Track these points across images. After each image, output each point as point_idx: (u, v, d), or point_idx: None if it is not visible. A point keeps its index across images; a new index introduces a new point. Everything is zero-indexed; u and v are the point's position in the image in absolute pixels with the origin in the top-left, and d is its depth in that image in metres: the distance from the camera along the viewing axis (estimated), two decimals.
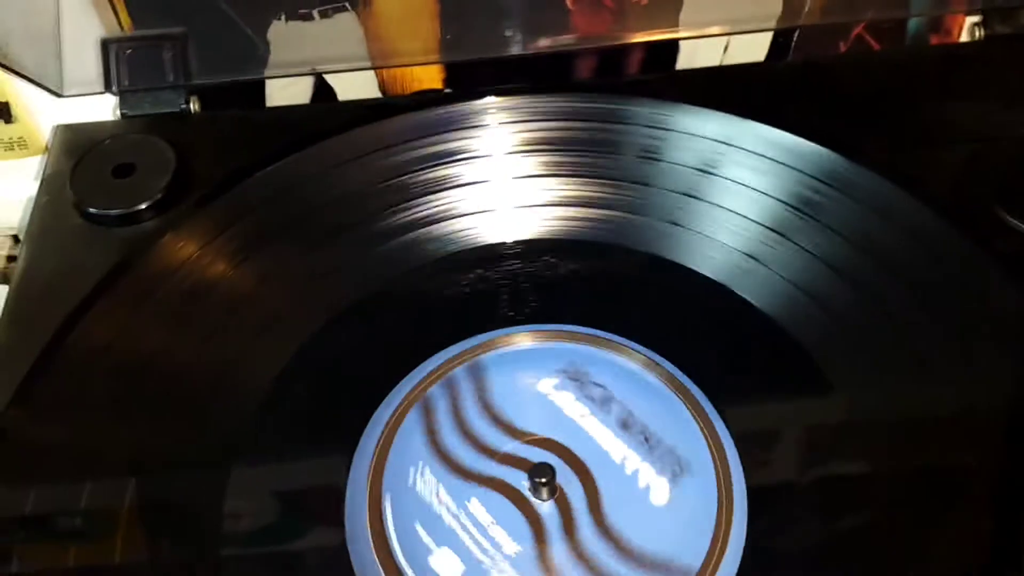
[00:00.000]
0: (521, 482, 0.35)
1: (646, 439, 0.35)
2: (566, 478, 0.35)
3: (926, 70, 0.46)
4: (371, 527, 0.34)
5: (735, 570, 0.32)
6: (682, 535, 0.33)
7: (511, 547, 0.33)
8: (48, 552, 0.33)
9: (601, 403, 0.36)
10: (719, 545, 0.32)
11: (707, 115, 0.43)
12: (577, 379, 0.37)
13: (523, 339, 0.38)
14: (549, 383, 0.37)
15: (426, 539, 0.34)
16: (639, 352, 0.37)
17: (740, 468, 0.34)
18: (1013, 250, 0.38)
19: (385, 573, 0.33)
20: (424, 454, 0.36)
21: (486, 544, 0.33)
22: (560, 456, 0.35)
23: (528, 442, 0.36)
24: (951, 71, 0.46)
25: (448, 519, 0.34)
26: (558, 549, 0.33)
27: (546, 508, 0.34)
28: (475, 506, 0.34)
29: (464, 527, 0.34)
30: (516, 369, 0.37)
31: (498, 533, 0.34)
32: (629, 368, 0.37)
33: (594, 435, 0.36)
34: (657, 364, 0.37)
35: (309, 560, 0.34)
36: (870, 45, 0.53)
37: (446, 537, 0.34)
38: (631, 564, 0.33)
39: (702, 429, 0.35)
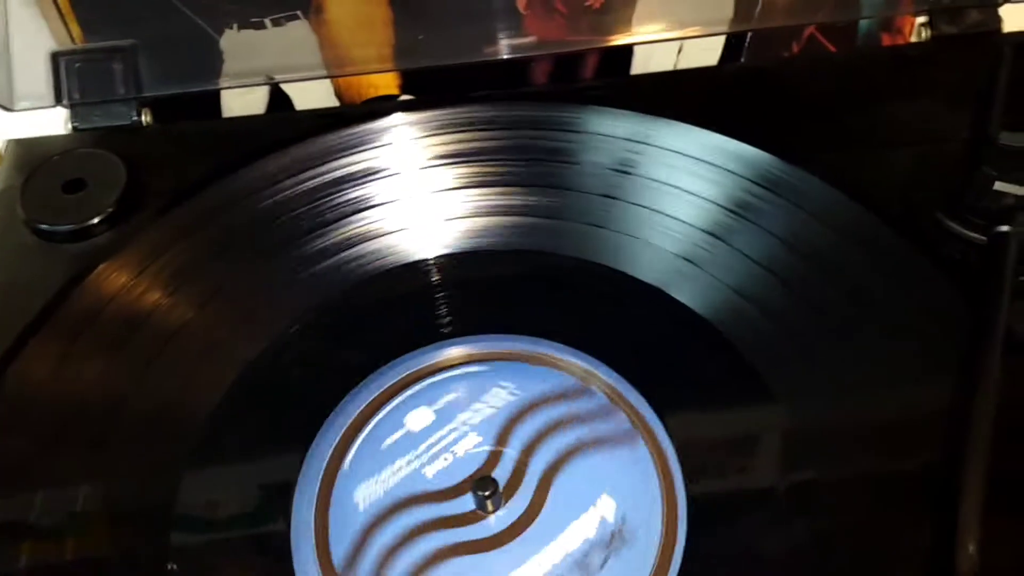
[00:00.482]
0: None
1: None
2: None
3: (873, 72, 0.47)
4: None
5: None
6: None
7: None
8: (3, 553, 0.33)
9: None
10: None
11: (627, 117, 0.43)
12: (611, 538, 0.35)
13: (458, 351, 0.38)
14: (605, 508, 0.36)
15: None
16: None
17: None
18: (953, 255, 0.39)
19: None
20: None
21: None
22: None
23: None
24: (898, 73, 0.47)
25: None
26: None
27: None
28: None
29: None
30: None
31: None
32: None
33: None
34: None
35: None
36: (823, 46, 0.54)
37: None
38: None
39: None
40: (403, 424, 0.37)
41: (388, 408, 0.37)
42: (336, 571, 0.33)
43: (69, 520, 0.34)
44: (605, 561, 0.33)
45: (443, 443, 0.36)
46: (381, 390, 0.38)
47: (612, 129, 0.44)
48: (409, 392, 0.38)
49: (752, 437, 0.36)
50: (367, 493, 0.35)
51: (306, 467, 0.36)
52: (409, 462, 0.36)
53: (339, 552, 0.34)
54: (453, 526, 0.34)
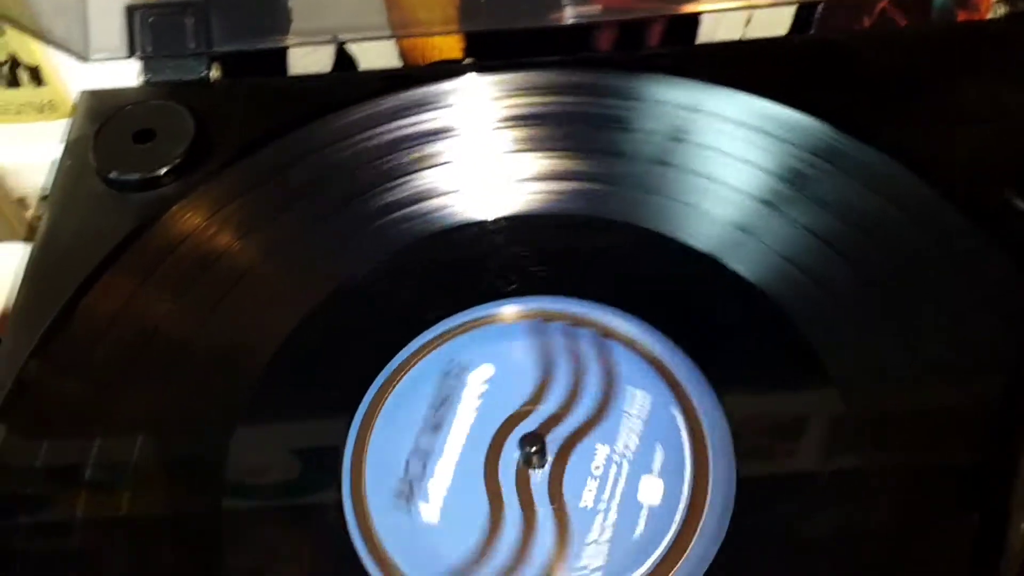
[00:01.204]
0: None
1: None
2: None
3: (946, 48, 0.46)
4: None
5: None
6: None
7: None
8: (58, 500, 0.35)
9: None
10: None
11: (685, 85, 0.43)
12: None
13: (514, 312, 0.39)
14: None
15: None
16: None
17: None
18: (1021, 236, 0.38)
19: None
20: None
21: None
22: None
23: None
24: (972, 49, 0.45)
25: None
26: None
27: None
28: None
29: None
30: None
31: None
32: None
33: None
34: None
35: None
36: (896, 20, 0.52)
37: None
38: None
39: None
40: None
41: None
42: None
43: (124, 468, 0.35)
44: None
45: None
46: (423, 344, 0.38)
47: (670, 96, 0.43)
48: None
49: (802, 414, 0.35)
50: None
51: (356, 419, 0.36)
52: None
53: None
54: None
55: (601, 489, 0.34)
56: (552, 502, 0.34)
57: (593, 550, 0.33)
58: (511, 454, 0.35)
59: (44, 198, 0.56)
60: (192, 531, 0.34)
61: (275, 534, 0.34)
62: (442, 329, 0.39)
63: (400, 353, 0.38)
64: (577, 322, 0.38)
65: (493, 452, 0.35)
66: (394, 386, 0.37)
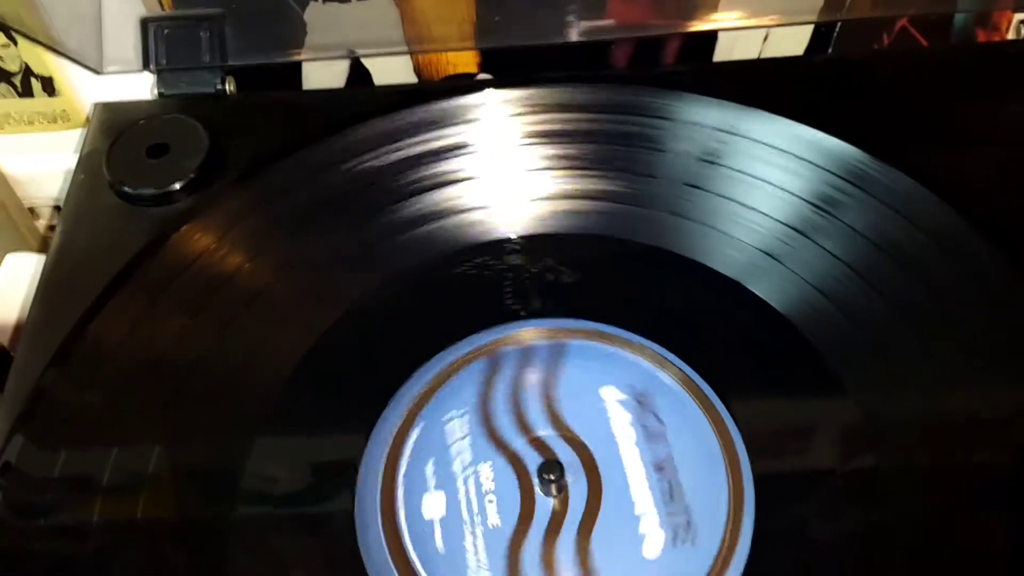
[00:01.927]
0: (535, 468, 0.35)
1: (671, 491, 0.34)
2: (577, 487, 0.35)
3: (967, 69, 0.45)
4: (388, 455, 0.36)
5: None
6: None
7: (493, 519, 0.34)
8: (75, 508, 0.34)
9: (651, 437, 0.36)
10: None
11: (719, 106, 0.43)
12: (642, 404, 0.36)
13: (531, 335, 0.38)
14: (614, 395, 0.37)
15: (430, 476, 0.35)
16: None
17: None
18: None
19: (383, 495, 0.34)
20: (471, 403, 0.37)
21: (475, 506, 0.34)
22: (584, 464, 0.35)
23: (564, 437, 0.36)
24: (993, 70, 0.45)
25: (457, 468, 0.35)
26: (531, 544, 0.33)
27: (544, 503, 0.34)
28: (485, 470, 0.35)
29: (466, 482, 0.35)
30: (592, 367, 0.37)
31: (491, 503, 0.34)
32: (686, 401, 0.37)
33: (626, 462, 0.35)
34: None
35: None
36: (915, 39, 0.52)
37: (447, 483, 0.35)
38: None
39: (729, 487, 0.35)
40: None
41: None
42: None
43: (140, 480, 0.35)
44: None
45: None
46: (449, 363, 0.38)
47: (699, 117, 0.43)
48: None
49: (822, 441, 0.35)
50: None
51: (374, 438, 0.36)
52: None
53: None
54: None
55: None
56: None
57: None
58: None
59: (56, 208, 0.56)
60: (206, 545, 0.34)
61: (288, 547, 0.34)
62: (464, 351, 0.38)
63: (418, 372, 0.37)
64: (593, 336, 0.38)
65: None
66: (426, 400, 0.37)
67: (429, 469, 0.35)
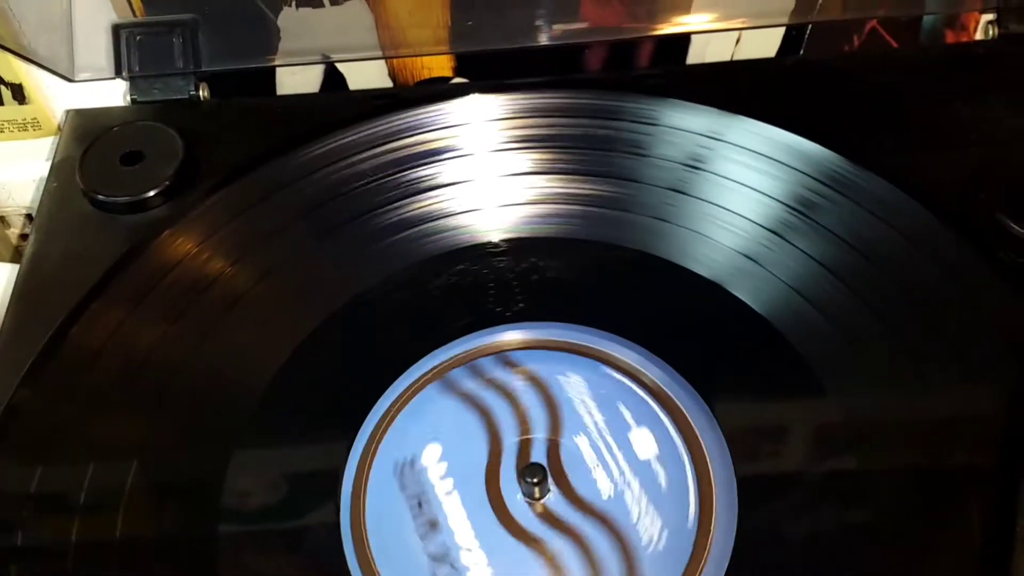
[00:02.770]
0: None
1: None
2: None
3: (937, 69, 0.46)
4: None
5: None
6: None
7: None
8: (52, 525, 0.34)
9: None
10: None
11: (703, 112, 0.43)
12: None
13: (514, 336, 0.38)
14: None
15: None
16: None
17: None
18: (1014, 258, 0.38)
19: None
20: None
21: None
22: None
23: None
24: (963, 71, 0.46)
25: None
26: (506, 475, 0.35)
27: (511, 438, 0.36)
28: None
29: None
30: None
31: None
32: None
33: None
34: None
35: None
36: (885, 40, 0.53)
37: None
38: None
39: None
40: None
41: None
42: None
43: (118, 493, 0.34)
44: None
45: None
46: (430, 368, 0.38)
47: (683, 122, 0.43)
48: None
49: (801, 438, 0.35)
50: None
51: (355, 447, 0.36)
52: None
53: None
54: None
55: (609, 472, 0.35)
56: (582, 511, 0.34)
57: (646, 522, 0.33)
58: (515, 498, 0.35)
59: (28, 217, 0.55)
60: (187, 556, 0.34)
61: (271, 559, 0.34)
62: (445, 356, 0.38)
63: (400, 379, 0.37)
64: (575, 350, 0.38)
65: (499, 508, 0.35)
66: (396, 412, 0.37)
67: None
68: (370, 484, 0.35)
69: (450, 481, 0.35)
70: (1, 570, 0.33)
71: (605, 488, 0.35)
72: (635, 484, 0.34)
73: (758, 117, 0.42)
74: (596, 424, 0.36)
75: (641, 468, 0.35)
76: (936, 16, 0.51)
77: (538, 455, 0.36)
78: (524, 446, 0.36)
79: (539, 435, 0.36)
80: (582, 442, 0.36)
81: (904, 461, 0.34)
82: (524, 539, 0.34)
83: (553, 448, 0.36)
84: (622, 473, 0.35)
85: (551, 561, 0.33)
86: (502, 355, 0.38)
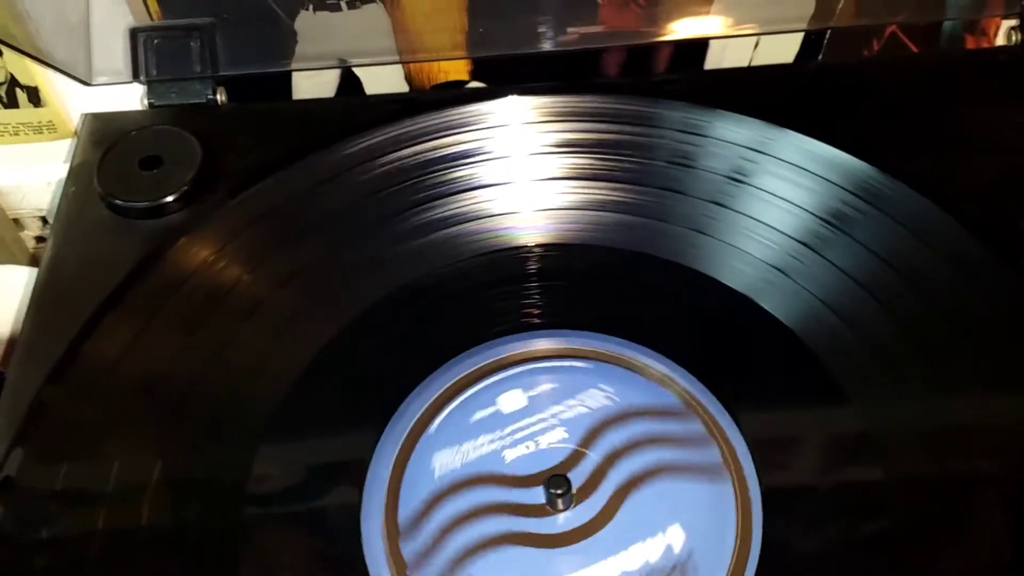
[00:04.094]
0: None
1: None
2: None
3: (958, 75, 0.46)
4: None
5: None
6: None
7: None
8: (78, 515, 0.34)
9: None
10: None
11: (741, 121, 0.43)
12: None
13: (545, 347, 0.38)
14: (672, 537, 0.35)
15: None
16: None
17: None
18: None
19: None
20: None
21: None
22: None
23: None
24: (985, 77, 0.45)
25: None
26: None
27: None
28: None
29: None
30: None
31: None
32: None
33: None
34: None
35: None
36: (905, 44, 0.52)
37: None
38: None
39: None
40: (495, 403, 0.37)
41: (482, 385, 0.37)
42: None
43: (143, 490, 0.35)
44: None
45: (529, 431, 0.36)
46: (472, 369, 0.38)
47: (723, 133, 0.43)
48: (504, 375, 0.38)
49: (826, 451, 0.35)
50: (445, 461, 0.36)
51: (386, 434, 0.36)
52: (492, 441, 0.36)
53: (405, 514, 0.34)
54: (519, 515, 0.34)
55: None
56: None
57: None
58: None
59: (43, 220, 0.55)
60: (208, 552, 0.34)
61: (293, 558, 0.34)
62: (472, 366, 0.38)
63: (419, 386, 0.37)
64: (603, 358, 0.38)
65: None
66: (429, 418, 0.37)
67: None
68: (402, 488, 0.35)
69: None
70: (28, 563, 0.33)
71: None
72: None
73: (788, 126, 0.42)
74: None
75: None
76: (956, 21, 0.51)
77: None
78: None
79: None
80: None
81: (933, 474, 0.34)
82: None
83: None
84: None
85: None
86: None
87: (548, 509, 0.34)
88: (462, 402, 0.37)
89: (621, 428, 0.36)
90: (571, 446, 0.36)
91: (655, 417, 0.36)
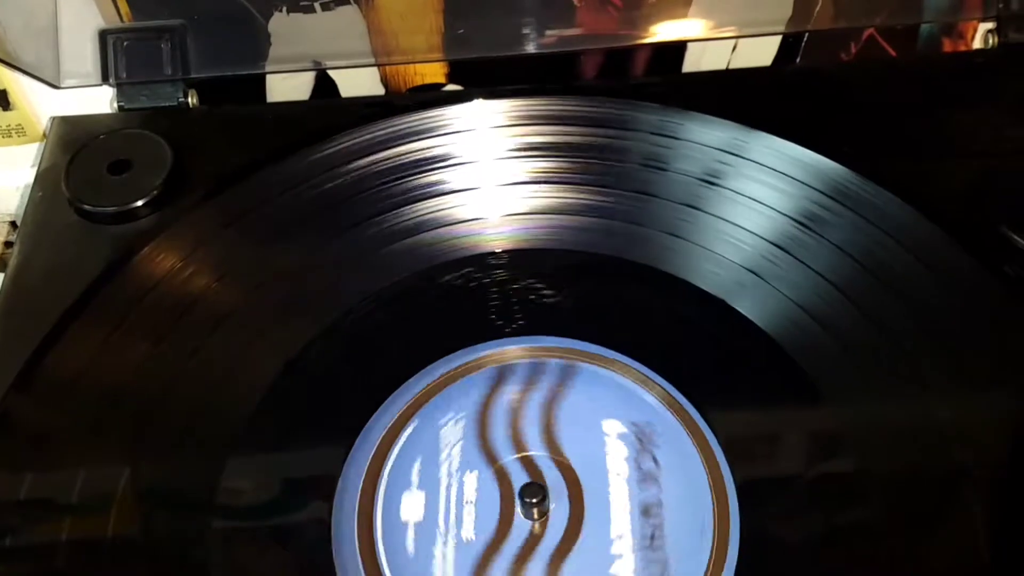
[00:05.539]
0: (519, 488, 0.34)
1: (652, 537, 0.33)
2: (559, 513, 0.34)
3: (935, 78, 0.46)
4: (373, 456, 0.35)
5: None
6: None
7: (467, 532, 0.34)
8: (43, 527, 0.34)
9: (643, 478, 0.35)
10: None
11: (715, 123, 0.42)
12: (641, 442, 0.36)
13: (517, 353, 0.38)
14: (616, 428, 0.36)
15: (415, 476, 0.35)
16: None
17: None
18: (1019, 271, 0.38)
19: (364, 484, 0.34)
20: (470, 410, 0.36)
21: (452, 515, 0.34)
22: (570, 491, 0.35)
23: (556, 461, 0.35)
24: (962, 80, 0.45)
25: (443, 473, 0.35)
26: (500, 564, 0.33)
27: (522, 524, 0.34)
28: (470, 479, 0.35)
29: (448, 488, 0.35)
30: (598, 396, 0.37)
31: (468, 514, 0.34)
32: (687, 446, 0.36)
33: (613, 499, 0.34)
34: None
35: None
36: (882, 47, 0.52)
37: (430, 485, 0.35)
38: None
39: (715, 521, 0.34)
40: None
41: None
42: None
43: (110, 500, 0.34)
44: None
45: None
46: (441, 376, 0.37)
47: (698, 136, 0.43)
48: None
49: (806, 460, 0.35)
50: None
51: (358, 445, 0.36)
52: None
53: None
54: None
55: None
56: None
57: None
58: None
59: (11, 224, 0.54)
60: (176, 561, 0.33)
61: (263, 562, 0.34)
62: (442, 371, 0.38)
63: (394, 395, 0.37)
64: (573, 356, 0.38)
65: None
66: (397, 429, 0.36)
67: (415, 468, 0.35)
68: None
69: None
70: None
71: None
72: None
73: (764, 129, 0.42)
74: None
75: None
76: (933, 24, 0.51)
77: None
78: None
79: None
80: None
81: (908, 472, 0.34)
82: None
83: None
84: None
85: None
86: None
87: (523, 518, 0.34)
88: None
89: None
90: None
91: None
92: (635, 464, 0.35)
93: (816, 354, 0.36)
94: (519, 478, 0.35)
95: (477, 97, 0.45)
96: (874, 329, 0.36)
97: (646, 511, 0.34)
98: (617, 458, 0.35)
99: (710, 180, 0.42)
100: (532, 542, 0.34)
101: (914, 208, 0.38)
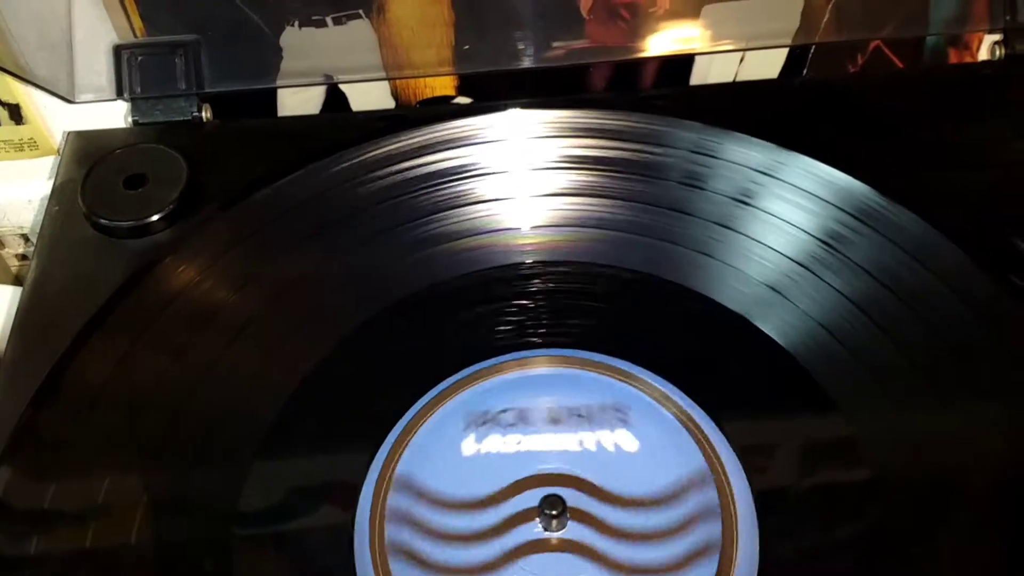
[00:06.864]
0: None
1: (579, 415, 0.35)
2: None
3: (942, 90, 0.46)
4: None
5: None
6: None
7: None
8: (67, 536, 0.34)
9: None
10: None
11: (753, 144, 0.43)
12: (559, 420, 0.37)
13: (539, 364, 0.38)
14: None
15: None
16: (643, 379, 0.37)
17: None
18: None
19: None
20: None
21: None
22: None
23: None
24: (969, 92, 0.46)
25: None
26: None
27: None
28: None
29: None
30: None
31: None
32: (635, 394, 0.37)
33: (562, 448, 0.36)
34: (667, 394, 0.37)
35: None
36: (889, 60, 0.53)
37: None
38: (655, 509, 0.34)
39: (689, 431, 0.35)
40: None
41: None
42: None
43: (132, 510, 0.34)
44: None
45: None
46: (466, 389, 0.38)
47: (731, 155, 0.43)
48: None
49: (824, 479, 0.35)
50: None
51: (379, 455, 0.36)
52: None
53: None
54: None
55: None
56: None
57: None
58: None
59: (24, 237, 0.54)
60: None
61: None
62: (467, 385, 0.38)
63: (417, 403, 0.37)
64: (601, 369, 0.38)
65: None
66: (409, 440, 0.37)
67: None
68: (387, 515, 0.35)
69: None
70: None
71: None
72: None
73: (764, 138, 0.42)
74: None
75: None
76: (939, 36, 0.51)
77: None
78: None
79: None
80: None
81: (930, 501, 0.34)
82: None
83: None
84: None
85: None
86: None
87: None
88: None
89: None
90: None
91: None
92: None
93: (838, 372, 0.36)
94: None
95: (510, 108, 0.46)
96: (894, 348, 0.37)
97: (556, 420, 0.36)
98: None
99: (742, 200, 0.42)
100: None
101: (931, 226, 0.38)
